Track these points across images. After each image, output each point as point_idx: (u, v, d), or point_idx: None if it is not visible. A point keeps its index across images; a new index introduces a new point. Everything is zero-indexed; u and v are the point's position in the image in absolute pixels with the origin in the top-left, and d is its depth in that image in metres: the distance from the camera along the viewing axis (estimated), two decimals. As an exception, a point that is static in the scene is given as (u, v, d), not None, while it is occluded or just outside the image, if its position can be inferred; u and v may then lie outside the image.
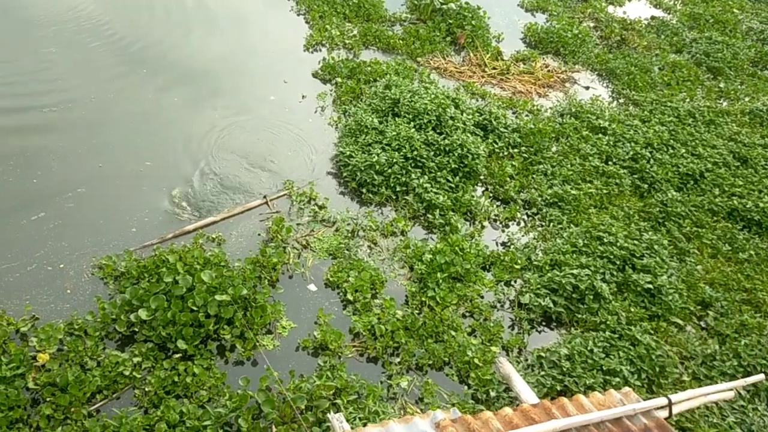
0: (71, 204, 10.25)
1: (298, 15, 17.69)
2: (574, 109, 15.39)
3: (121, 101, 12.74)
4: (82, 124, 11.82)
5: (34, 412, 7.52)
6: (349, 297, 9.84)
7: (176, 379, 8.03)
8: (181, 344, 8.31)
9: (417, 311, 9.93)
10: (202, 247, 9.88)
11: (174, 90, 13.40)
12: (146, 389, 7.93)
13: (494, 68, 16.94)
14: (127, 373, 8.01)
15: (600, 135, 14.56)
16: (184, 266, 9.05)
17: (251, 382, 8.18)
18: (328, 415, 6.56)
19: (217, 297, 8.61)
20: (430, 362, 9.24)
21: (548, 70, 17.45)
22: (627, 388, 6.35)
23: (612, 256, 11.13)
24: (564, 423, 4.95)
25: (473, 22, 17.72)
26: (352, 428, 6.84)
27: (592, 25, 20.54)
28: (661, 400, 6.65)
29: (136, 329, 8.47)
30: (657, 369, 9.45)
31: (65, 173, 10.79)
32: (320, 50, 16.07)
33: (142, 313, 8.31)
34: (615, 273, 10.94)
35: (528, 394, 7.28)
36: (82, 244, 9.73)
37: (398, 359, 9.18)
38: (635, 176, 13.64)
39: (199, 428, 7.47)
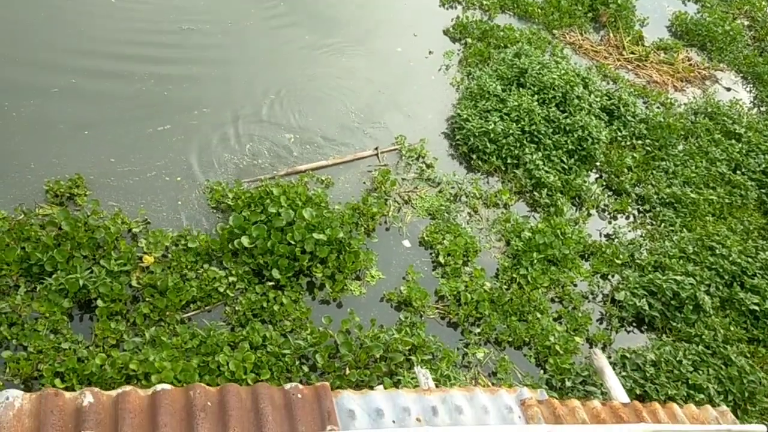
0: (195, 122, 10.69)
1: (440, -31, 17.39)
2: (710, 109, 14.49)
3: (254, 35, 12.96)
4: (215, 51, 12.15)
5: (133, 308, 8.05)
6: (441, 259, 9.86)
7: (265, 304, 8.37)
8: (276, 274, 8.62)
9: (506, 286, 9.84)
10: (306, 185, 10.11)
11: (304, 29, 13.51)
12: (236, 308, 8.32)
13: (632, 53, 16.14)
14: (221, 289, 8.41)
15: (733, 141, 13.68)
16: (287, 200, 9.31)
17: (333, 322, 8.41)
18: (416, 367, 6.67)
19: (315, 235, 8.83)
20: (510, 339, 9.18)
21: (690, 64, 16.46)
22: (724, 407, 6.05)
23: (721, 270, 10.57)
24: (654, 428, 4.81)
25: (619, 1, 16.84)
26: (437, 386, 6.95)
27: (746, 23, 19.10)
28: (760, 428, 6.29)
29: (238, 253, 8.84)
30: (746, 394, 9.01)
31: (194, 93, 11.20)
32: (456, 7, 15.77)
33: (245, 240, 8.65)
34: (721, 287, 10.40)
35: (619, 391, 7.11)
36: (199, 162, 10.16)
37: (478, 330, 9.17)
38: (763, 191, 12.79)
39: (278, 354, 7.78)
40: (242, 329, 8.08)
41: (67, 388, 6.85)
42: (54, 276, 7.88)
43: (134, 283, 8.24)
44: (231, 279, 8.52)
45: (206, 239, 8.89)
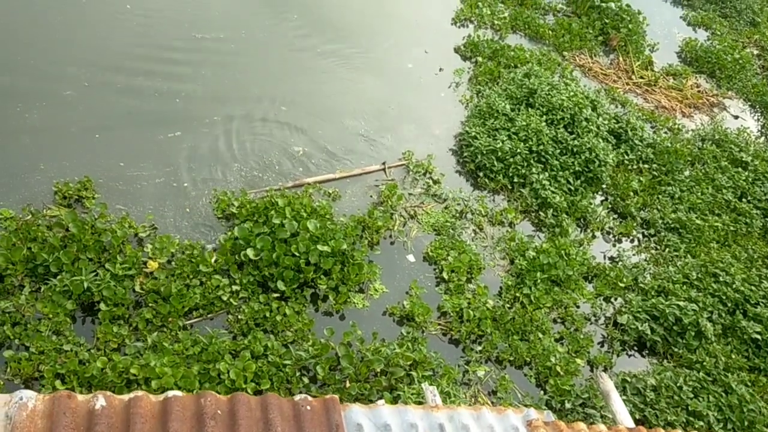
0: (206, 130, 10.76)
1: (452, -13, 17.52)
2: (717, 136, 14.53)
3: (267, 47, 13.04)
4: (228, 61, 12.24)
5: (135, 313, 8.05)
6: (444, 275, 9.86)
7: (267, 314, 8.37)
8: (281, 285, 8.63)
9: (508, 305, 9.83)
10: (311, 197, 10.14)
11: (317, 41, 13.60)
12: (239, 317, 8.32)
13: (641, 77, 16.22)
14: (225, 298, 8.42)
15: (739, 169, 13.71)
16: (291, 211, 9.33)
17: (335, 334, 8.41)
18: (423, 385, 6.66)
19: (319, 247, 8.85)
20: (511, 358, 9.16)
21: (698, 91, 16.53)
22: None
23: (724, 297, 10.55)
24: None
25: (630, 26, 16.96)
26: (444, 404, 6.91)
27: (755, 52, 19.21)
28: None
29: (243, 265, 8.84)
30: (746, 423, 8.97)
31: (205, 101, 11.28)
32: (467, 26, 15.90)
33: (250, 252, 8.66)
34: (724, 315, 10.39)
35: (624, 416, 7.06)
36: (207, 171, 10.20)
37: (480, 347, 9.15)
38: (768, 219, 12.80)
39: (279, 365, 7.78)
40: (244, 338, 8.08)
41: (67, 390, 6.85)
42: (59, 277, 7.91)
43: (137, 288, 8.25)
44: (235, 288, 8.54)
45: (210, 255, 8.92)
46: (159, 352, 7.49)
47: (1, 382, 6.99)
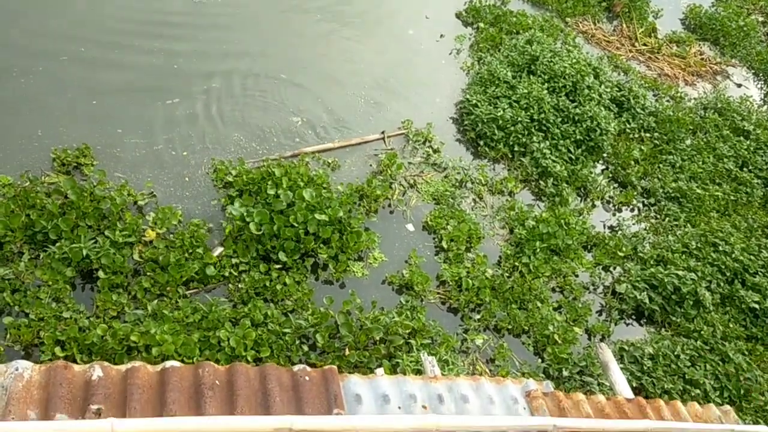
0: (204, 96, 10.65)
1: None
2: (719, 105, 14.40)
3: (266, 12, 12.74)
4: (226, 26, 12.01)
5: (134, 281, 8.05)
6: (444, 245, 9.86)
7: (267, 284, 8.37)
8: (282, 256, 8.59)
9: (507, 274, 9.85)
10: (307, 166, 10.06)
11: (316, 8, 13.33)
12: (239, 286, 8.32)
13: (645, 44, 16.02)
14: (226, 274, 8.39)
15: (741, 138, 13.60)
16: (288, 181, 9.26)
17: (335, 303, 8.43)
18: (421, 354, 6.69)
19: (317, 216, 8.81)
20: (509, 327, 9.21)
21: (702, 58, 16.34)
22: (728, 407, 6.07)
23: (723, 266, 10.56)
24: (657, 425, 4.82)
25: (634, -8, 16.69)
26: (443, 374, 6.95)
27: (760, 18, 18.92)
28: (762, 429, 6.30)
29: (245, 239, 8.73)
30: (742, 391, 9.04)
31: (204, 68, 11.12)
32: (469, -9, 15.62)
33: (252, 227, 8.56)
34: (722, 284, 10.41)
35: (623, 387, 7.06)
36: (206, 139, 10.11)
37: (478, 316, 9.19)
38: (769, 189, 12.77)
39: (279, 333, 7.81)
40: (244, 306, 8.10)
41: (66, 357, 6.89)
42: (58, 244, 7.91)
43: (136, 256, 8.23)
44: (234, 260, 8.50)
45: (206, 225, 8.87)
46: (159, 320, 7.51)
47: (1, 348, 7.03)
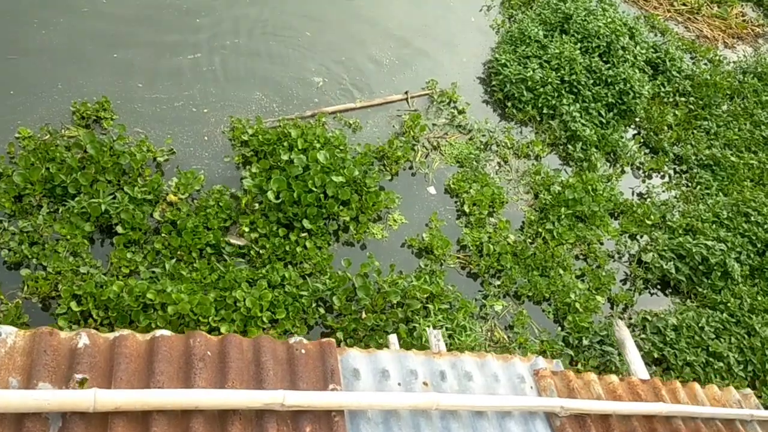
0: (226, 52, 10.45)
1: None
2: (760, 69, 13.79)
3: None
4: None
5: (152, 240, 7.99)
6: (466, 209, 9.67)
7: (288, 248, 8.26)
8: (307, 223, 8.42)
9: (530, 240, 9.65)
10: (324, 126, 9.84)
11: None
12: (260, 252, 8.18)
13: (684, 4, 15.36)
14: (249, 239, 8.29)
15: (781, 104, 13.06)
16: (304, 143, 9.04)
17: (352, 266, 8.33)
18: (427, 329, 6.58)
19: (333, 178, 8.64)
20: (530, 294, 9.05)
21: (743, 20, 15.65)
22: (748, 390, 5.85)
23: (754, 237, 10.22)
24: (672, 409, 4.62)
25: (675, -52, 15.95)
26: (448, 350, 6.84)
27: (810, -22, 18.01)
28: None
29: (267, 209, 8.56)
30: (767, 365, 8.81)
31: (228, 23, 10.88)
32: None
33: (271, 195, 8.36)
34: (752, 255, 10.08)
35: (639, 366, 6.87)
36: (227, 96, 9.92)
37: (498, 282, 9.04)
38: (807, 158, 12.27)
39: (296, 295, 7.74)
40: (263, 268, 8.02)
41: (82, 312, 6.91)
42: (77, 199, 7.88)
43: (158, 215, 8.17)
44: (254, 235, 8.29)
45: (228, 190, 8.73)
46: (176, 279, 7.48)
47: (19, 301, 7.07)
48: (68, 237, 7.62)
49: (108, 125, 8.93)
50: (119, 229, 7.79)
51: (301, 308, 7.68)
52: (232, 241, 8.23)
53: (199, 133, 9.37)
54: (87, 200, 7.85)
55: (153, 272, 7.54)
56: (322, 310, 7.88)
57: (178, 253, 7.83)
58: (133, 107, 9.31)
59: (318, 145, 9.06)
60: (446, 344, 7.83)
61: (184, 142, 9.20)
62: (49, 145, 8.32)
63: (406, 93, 10.95)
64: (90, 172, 8.11)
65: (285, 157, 8.73)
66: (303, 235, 8.45)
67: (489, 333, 8.54)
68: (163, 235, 7.97)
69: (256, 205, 8.48)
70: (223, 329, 6.93)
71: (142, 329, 6.77)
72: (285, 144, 8.94)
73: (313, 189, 8.54)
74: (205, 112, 9.63)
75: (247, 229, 8.28)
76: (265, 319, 7.29)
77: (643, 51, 12.67)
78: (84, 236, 7.72)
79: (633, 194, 11.05)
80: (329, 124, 10.09)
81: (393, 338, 6.84)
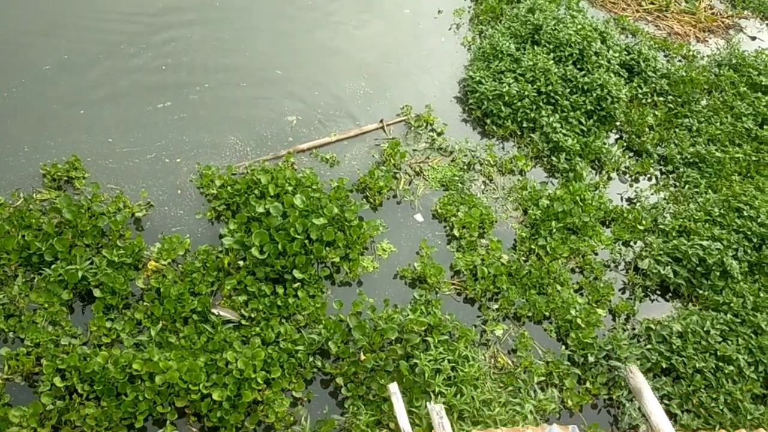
0: (195, 97, 10.24)
1: None
2: (734, 61, 13.73)
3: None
4: (216, 20, 11.59)
5: (133, 307, 7.67)
6: (455, 232, 9.46)
7: (279, 303, 7.98)
8: (298, 274, 8.17)
9: (524, 258, 9.44)
10: (293, 167, 9.58)
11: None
12: (252, 316, 7.87)
13: (652, 2, 15.33)
14: (238, 303, 7.98)
15: (759, 94, 12.95)
16: (275, 188, 8.78)
17: (345, 306, 8.07)
18: (428, 404, 6.27)
19: (314, 221, 8.39)
20: (530, 314, 8.82)
21: (712, 13, 15.64)
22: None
23: (749, 232, 10.05)
24: None
25: (637, -52, 15.96)
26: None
27: (773, -36, 18.09)
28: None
29: (253, 266, 8.29)
30: (778, 365, 8.61)
31: (195, 67, 10.70)
32: (464, -39, 14.99)
33: (255, 252, 8.09)
34: (750, 251, 9.90)
35: (660, 419, 6.32)
36: (201, 142, 9.71)
37: (496, 305, 8.81)
38: (793, 146, 12.16)
39: (291, 351, 7.46)
40: (256, 326, 7.72)
41: (67, 387, 6.60)
42: (53, 266, 7.61)
43: (141, 284, 7.87)
44: (241, 298, 7.98)
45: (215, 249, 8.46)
46: (164, 346, 7.17)
47: (1, 381, 6.76)
48: (46, 306, 7.37)
49: (80, 185, 8.69)
50: (97, 293, 7.49)
51: (296, 363, 7.38)
52: (222, 313, 7.89)
53: (173, 185, 9.11)
54: (64, 267, 7.57)
55: (138, 340, 7.23)
56: (319, 363, 7.60)
57: (162, 322, 7.51)
58: (104, 163, 9.09)
59: (290, 188, 8.80)
60: (449, 376, 7.59)
61: (158, 193, 8.95)
62: (23, 211, 8.07)
63: (381, 121, 10.75)
64: (67, 237, 7.87)
65: (261, 209, 8.47)
66: (296, 285, 8.18)
67: (492, 360, 8.29)
68: (145, 303, 7.66)
69: (240, 263, 8.20)
70: (215, 395, 6.61)
71: (129, 403, 6.44)
72: (256, 192, 8.66)
73: (296, 236, 8.27)
74: (178, 161, 9.39)
75: (234, 294, 7.99)
76: (259, 379, 6.96)
77: (617, 54, 12.58)
78: (62, 304, 7.47)
79: (622, 200, 10.88)
80: (305, 162, 9.86)
81: (393, 387, 6.55)
